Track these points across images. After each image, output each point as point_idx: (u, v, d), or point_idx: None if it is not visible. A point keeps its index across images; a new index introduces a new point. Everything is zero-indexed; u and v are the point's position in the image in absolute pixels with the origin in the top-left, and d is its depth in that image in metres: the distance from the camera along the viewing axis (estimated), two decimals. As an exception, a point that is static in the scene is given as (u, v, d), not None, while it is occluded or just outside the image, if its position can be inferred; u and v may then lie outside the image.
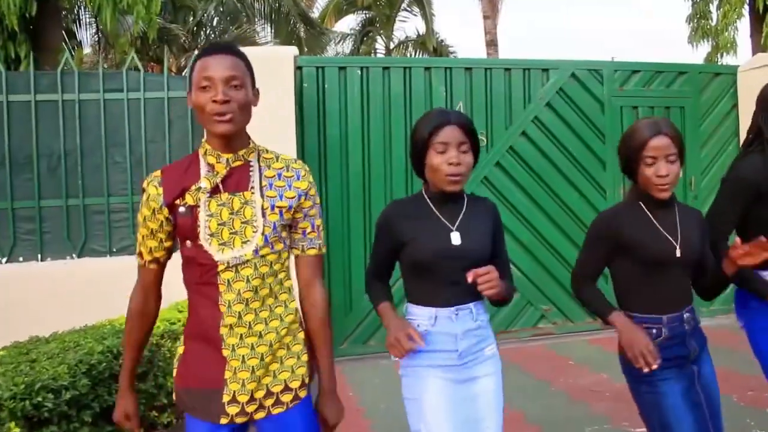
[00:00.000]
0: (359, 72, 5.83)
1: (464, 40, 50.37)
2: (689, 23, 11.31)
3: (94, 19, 11.49)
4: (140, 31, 9.91)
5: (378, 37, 19.54)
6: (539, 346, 5.87)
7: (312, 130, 5.67)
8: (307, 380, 1.91)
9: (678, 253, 2.19)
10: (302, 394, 1.89)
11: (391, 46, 19.29)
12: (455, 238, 2.08)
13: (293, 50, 5.67)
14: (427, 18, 17.87)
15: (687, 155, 2.27)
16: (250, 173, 1.84)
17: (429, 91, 5.99)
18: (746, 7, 10.47)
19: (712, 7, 11.03)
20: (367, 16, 19.08)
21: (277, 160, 1.90)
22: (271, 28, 13.13)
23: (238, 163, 1.83)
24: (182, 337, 1.91)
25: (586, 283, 2.29)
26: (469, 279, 1.95)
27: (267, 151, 1.92)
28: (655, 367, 2.05)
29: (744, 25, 10.99)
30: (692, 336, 2.24)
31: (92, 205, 5.37)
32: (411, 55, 19.46)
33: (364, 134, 5.83)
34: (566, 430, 3.86)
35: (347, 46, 19.63)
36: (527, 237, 6.16)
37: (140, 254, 1.89)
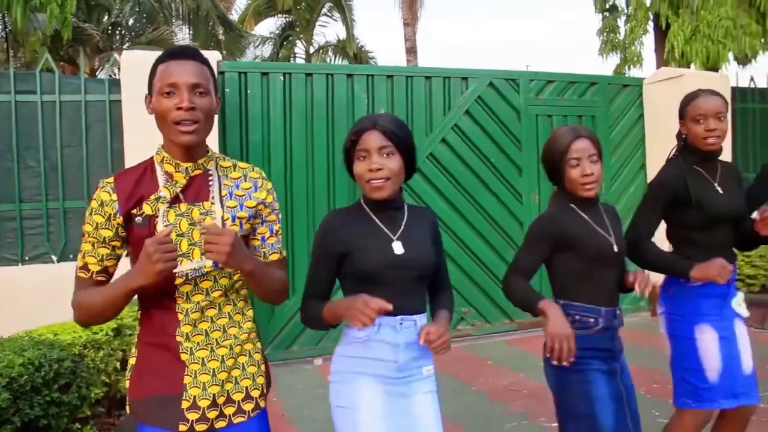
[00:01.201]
0: (282, 78, 5.82)
1: (384, 46, 50.80)
2: (599, 36, 11.83)
3: (0, 16, 10.96)
4: (52, 30, 9.52)
5: (298, 42, 19.46)
6: (459, 347, 6.00)
7: (234, 135, 5.62)
8: (266, 390, 1.89)
9: (615, 249, 2.34)
10: (262, 404, 1.88)
11: (311, 50, 19.23)
12: (397, 248, 2.04)
13: (216, 55, 5.62)
14: (348, 23, 17.92)
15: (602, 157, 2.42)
16: (210, 183, 1.80)
17: (351, 98, 6.03)
18: (651, 23, 11.06)
19: (621, 22, 11.59)
20: (288, 19, 18.97)
21: (235, 169, 1.87)
22: (190, 30, 12.87)
23: (198, 172, 1.79)
24: (133, 348, 1.84)
25: (520, 278, 2.35)
26: (420, 342, 1.93)
27: (224, 158, 1.89)
28: (566, 364, 2.14)
29: (649, 40, 11.59)
30: (617, 335, 2.38)
31: (3, 211, 5.13)
32: (331, 59, 19.46)
33: (286, 140, 5.82)
34: (487, 429, 3.99)
35: (266, 50, 19.47)
36: (447, 241, 6.29)
37: (85, 267, 1.76)
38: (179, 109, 1.67)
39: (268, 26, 26.17)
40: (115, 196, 1.72)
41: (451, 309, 2.22)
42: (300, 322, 5.71)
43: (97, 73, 11.99)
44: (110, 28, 11.66)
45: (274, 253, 1.91)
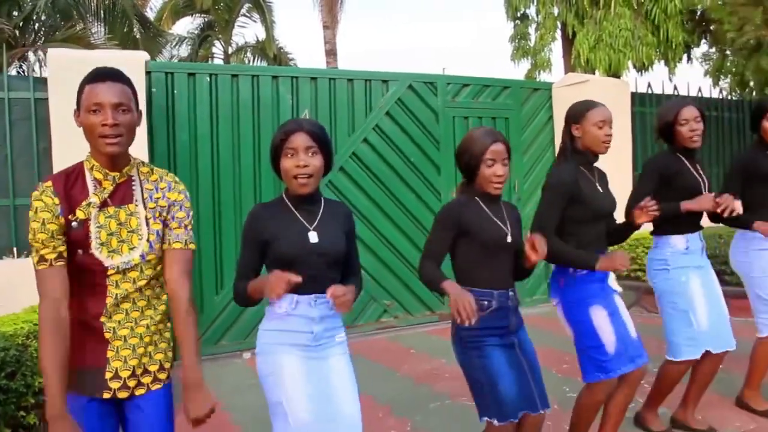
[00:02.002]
0: (208, 78, 5.93)
1: (304, 48, 50.77)
2: (512, 43, 12.41)
3: None
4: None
5: (217, 42, 19.31)
6: (383, 338, 6.28)
7: (161, 135, 5.69)
8: (172, 363, 2.16)
9: (509, 239, 2.64)
10: (170, 374, 2.15)
11: (230, 51, 19.13)
12: (313, 237, 2.34)
13: (144, 55, 5.68)
14: (268, 24, 17.92)
15: (510, 161, 2.73)
16: (133, 188, 2.07)
17: (276, 99, 6.21)
18: (559, 32, 11.72)
19: (531, 30, 12.20)
20: (206, 19, 18.81)
21: (153, 173, 2.14)
22: (106, 28, 12.61)
23: (122, 179, 2.04)
24: None
25: (430, 262, 2.62)
26: (328, 295, 2.21)
27: (143, 164, 2.14)
28: (473, 322, 2.36)
29: (557, 47, 12.28)
30: (514, 312, 2.69)
31: None
32: (250, 60, 19.43)
33: (213, 140, 5.93)
34: (413, 407, 4.26)
35: (183, 50, 19.21)
36: (369, 237, 6.55)
37: (42, 258, 1.93)
38: (104, 125, 1.92)
39: (185, 26, 25.74)
40: (57, 200, 1.95)
41: (358, 286, 2.52)
42: (228, 318, 5.89)
43: (9, 70, 11.58)
44: (22, 23, 11.29)
45: (177, 242, 2.12)
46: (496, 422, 2.55)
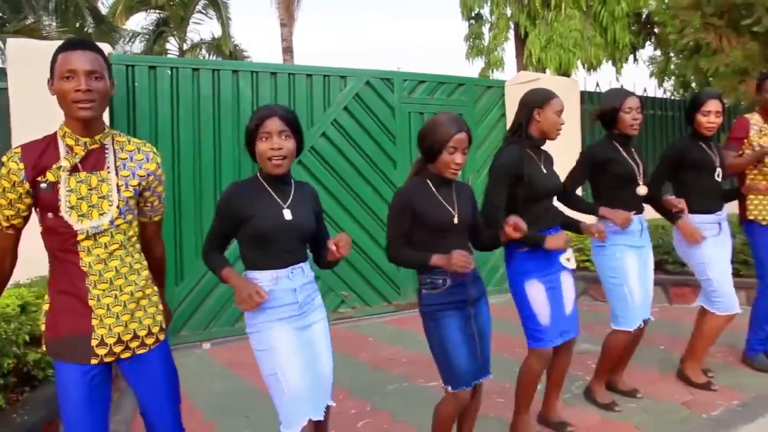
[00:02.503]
0: (169, 72, 5.98)
1: (260, 46, 50.45)
2: (466, 42, 12.73)
3: None
4: None
5: (171, 38, 19.15)
6: (341, 328, 6.41)
7: (121, 127, 5.69)
8: (164, 325, 2.27)
9: (455, 221, 2.81)
10: (161, 336, 2.27)
11: (185, 47, 18.99)
12: (287, 214, 2.50)
13: (106, 47, 5.69)
14: (224, 21, 17.88)
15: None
16: (106, 155, 2.16)
17: (237, 93, 6.29)
18: (512, 32, 12.08)
19: (485, 29, 12.54)
20: (161, 15, 18.64)
21: (130, 143, 2.24)
22: (58, 21, 12.44)
23: (95, 146, 2.14)
24: (47, 295, 2.16)
25: (401, 246, 2.81)
26: (331, 246, 2.49)
27: (120, 135, 2.24)
28: (470, 269, 2.63)
29: (510, 47, 12.64)
30: (472, 285, 2.87)
31: None
32: (205, 57, 19.30)
33: (173, 133, 5.98)
34: (371, 390, 4.42)
35: (137, 46, 18.99)
36: (327, 228, 6.65)
37: None
38: (77, 91, 2.03)
39: (138, 21, 25.41)
40: (22, 165, 2.05)
41: None
42: (188, 308, 5.94)
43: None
44: (-30, 15, 11.10)
45: (158, 215, 2.35)
46: (450, 389, 2.79)
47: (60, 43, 2.15)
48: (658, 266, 6.84)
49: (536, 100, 3.32)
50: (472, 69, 17.11)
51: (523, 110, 3.34)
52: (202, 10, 18.88)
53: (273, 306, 2.48)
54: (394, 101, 7.20)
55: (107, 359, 2.13)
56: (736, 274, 4.61)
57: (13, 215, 2.09)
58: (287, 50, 16.04)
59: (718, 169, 4.06)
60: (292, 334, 2.50)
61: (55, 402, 3.04)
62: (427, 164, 2.85)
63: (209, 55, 19.24)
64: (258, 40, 50.63)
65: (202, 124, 6.13)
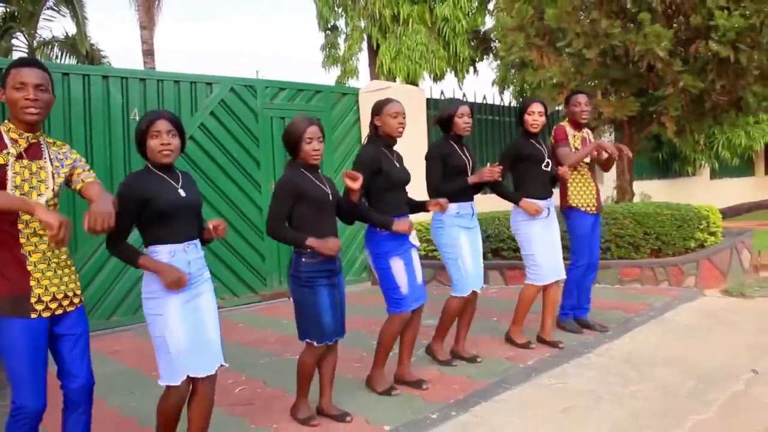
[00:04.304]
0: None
1: (119, 46, 48.56)
2: (323, 51, 13.47)
3: None
4: None
5: (20, 34, 18.35)
6: (212, 317, 6.86)
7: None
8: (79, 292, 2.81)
9: (330, 197, 3.54)
10: (81, 299, 2.81)
11: (35, 44, 18.28)
12: (182, 193, 3.00)
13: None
14: (79, 20, 17.41)
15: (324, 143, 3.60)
16: (42, 148, 2.70)
17: (107, 98, 6.62)
18: (365, 43, 12.96)
19: (340, 40, 13.33)
20: (8, 10, 17.83)
21: (54, 144, 2.79)
22: None
23: (34, 141, 2.67)
24: None
25: (281, 225, 3.46)
26: (209, 226, 3.06)
27: (46, 137, 2.78)
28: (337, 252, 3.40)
29: (364, 57, 13.51)
30: (337, 259, 3.57)
31: None
32: (58, 56, 18.72)
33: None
34: (245, 364, 4.97)
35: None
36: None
37: None
38: (27, 99, 2.57)
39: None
40: None
41: None
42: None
43: None
44: None
45: (90, 177, 2.84)
46: (315, 343, 3.50)
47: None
48: (495, 253, 7.92)
49: (375, 109, 4.11)
50: (329, 77, 17.89)
51: (370, 119, 4.12)
52: (54, 7, 18.26)
53: None
54: (257, 106, 7.77)
55: (44, 314, 2.61)
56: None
57: None
58: (148, 53, 15.98)
59: (547, 160, 4.94)
60: (181, 302, 2.91)
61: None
62: (296, 159, 3.53)
63: (62, 54, 18.64)
64: (116, 40, 48.71)
65: (73, 128, 6.40)
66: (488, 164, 4.53)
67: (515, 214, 5.01)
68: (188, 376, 2.95)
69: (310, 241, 3.41)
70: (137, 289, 6.55)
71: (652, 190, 12.91)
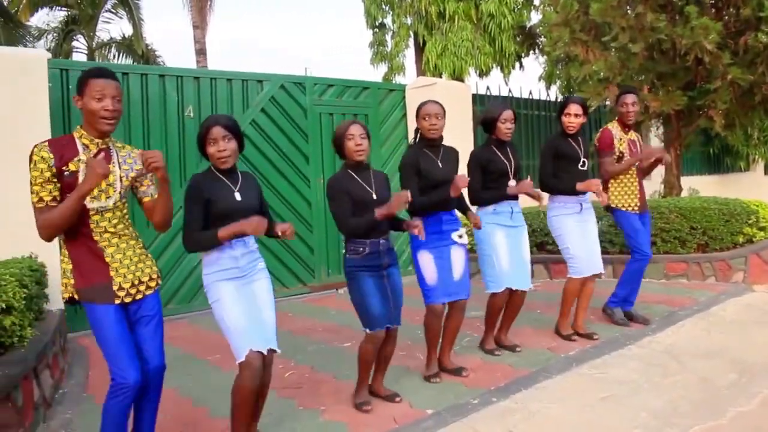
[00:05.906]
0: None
1: (172, 46, 49.81)
2: (371, 49, 13.64)
3: None
4: None
5: (80, 36, 19.04)
6: (262, 307, 7.11)
7: (57, 127, 6.13)
8: (156, 276, 3.02)
9: (374, 197, 3.70)
10: (159, 282, 3.04)
11: (94, 46, 18.93)
12: (238, 197, 3.21)
13: (46, 54, 6.15)
14: (135, 22, 17.97)
15: (370, 154, 3.76)
16: (111, 153, 2.90)
17: (163, 96, 6.91)
18: (411, 40, 13.10)
19: (388, 37, 13.50)
20: (70, 13, 18.53)
21: (123, 148, 2.99)
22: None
23: (103, 146, 2.87)
24: (64, 258, 2.85)
25: (353, 219, 3.62)
26: (278, 230, 3.24)
27: (116, 141, 2.98)
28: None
29: (410, 53, 13.68)
30: (385, 254, 3.74)
31: None
32: (115, 57, 19.34)
33: (105, 131, 6.49)
34: (294, 351, 5.19)
35: (41, 43, 18.74)
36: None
37: (40, 200, 2.71)
38: (106, 110, 2.76)
39: (41, 17, 24.80)
40: (51, 155, 2.73)
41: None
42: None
43: None
44: None
45: (147, 197, 3.06)
46: (368, 330, 3.67)
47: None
48: (540, 247, 7.96)
49: (416, 112, 4.26)
50: (377, 74, 18.09)
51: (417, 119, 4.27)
52: (112, 9, 18.89)
53: (220, 269, 3.17)
54: (306, 103, 7.97)
55: (126, 299, 2.84)
56: (603, 251, 5.62)
57: (53, 188, 2.70)
58: (201, 52, 16.38)
59: (583, 160, 5.02)
60: (234, 288, 3.16)
61: (29, 360, 3.75)
62: (345, 161, 3.73)
63: (119, 55, 19.27)
64: (169, 41, 49.94)
65: (132, 125, 6.69)
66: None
67: (549, 209, 5.11)
68: (253, 350, 3.11)
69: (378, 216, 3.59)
70: (190, 281, 6.93)
71: (701, 186, 12.72)
